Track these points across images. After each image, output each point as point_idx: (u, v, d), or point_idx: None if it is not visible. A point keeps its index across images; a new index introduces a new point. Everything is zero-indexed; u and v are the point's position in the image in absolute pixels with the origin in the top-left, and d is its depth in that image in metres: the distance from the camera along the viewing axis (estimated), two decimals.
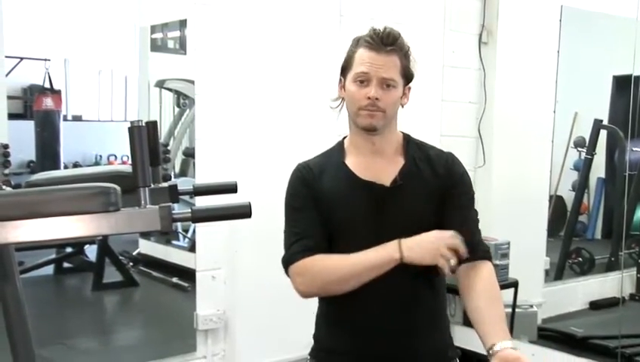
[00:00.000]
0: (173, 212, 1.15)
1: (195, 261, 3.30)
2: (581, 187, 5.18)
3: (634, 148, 4.97)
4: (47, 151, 6.61)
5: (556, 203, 5.32)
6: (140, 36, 6.38)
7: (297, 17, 3.34)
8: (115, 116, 8.75)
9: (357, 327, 1.68)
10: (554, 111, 4.36)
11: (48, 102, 6.65)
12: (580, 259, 5.10)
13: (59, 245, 5.08)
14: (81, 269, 5.41)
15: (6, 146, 2.89)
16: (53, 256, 5.31)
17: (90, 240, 4.98)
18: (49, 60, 6.95)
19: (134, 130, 1.15)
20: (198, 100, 3.27)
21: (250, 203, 1.22)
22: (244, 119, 3.24)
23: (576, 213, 5.21)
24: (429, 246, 1.56)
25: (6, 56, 4.97)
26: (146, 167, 1.15)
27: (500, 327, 1.55)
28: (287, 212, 1.72)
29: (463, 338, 2.54)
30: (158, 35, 6.52)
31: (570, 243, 5.05)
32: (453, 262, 1.54)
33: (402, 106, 1.70)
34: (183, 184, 1.83)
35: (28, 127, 6.60)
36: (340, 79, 1.70)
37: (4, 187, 1.62)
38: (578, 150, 5.45)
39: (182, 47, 5.96)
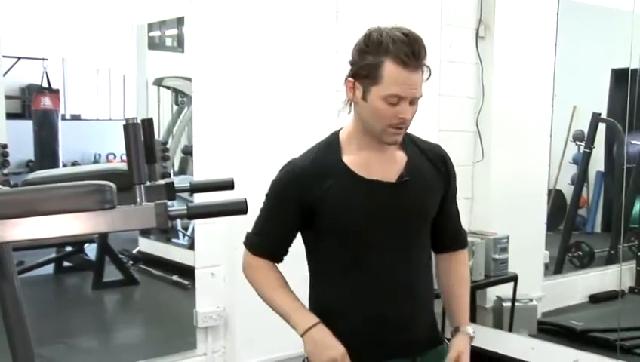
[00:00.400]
0: (169, 209, 1.16)
1: (194, 258, 3.30)
2: (580, 180, 5.17)
3: (632, 141, 4.97)
4: (46, 151, 6.61)
5: (555, 196, 5.31)
6: (138, 34, 6.36)
7: (294, 14, 3.33)
8: (113, 115, 8.75)
9: (361, 290, 1.68)
10: (552, 105, 4.34)
11: (46, 102, 6.65)
12: (580, 252, 5.09)
13: (58, 244, 5.07)
14: (81, 268, 5.40)
15: (5, 146, 2.90)
16: (53, 255, 5.30)
17: (90, 239, 4.97)
18: (47, 60, 6.96)
19: (129, 127, 1.15)
20: (195, 98, 3.28)
21: (245, 199, 1.22)
22: (242, 116, 3.24)
23: (576, 207, 5.20)
24: (322, 351, 1.62)
25: (4, 56, 4.98)
26: (141, 165, 1.15)
27: (464, 310, 1.82)
28: (267, 203, 1.73)
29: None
30: (156, 33, 6.51)
31: (570, 237, 5.05)
32: None
33: None
34: (182, 182, 1.84)
35: (26, 126, 6.61)
36: (353, 82, 1.60)
37: (1, 186, 1.62)
38: (577, 144, 5.43)
39: (179, 44, 5.94)
